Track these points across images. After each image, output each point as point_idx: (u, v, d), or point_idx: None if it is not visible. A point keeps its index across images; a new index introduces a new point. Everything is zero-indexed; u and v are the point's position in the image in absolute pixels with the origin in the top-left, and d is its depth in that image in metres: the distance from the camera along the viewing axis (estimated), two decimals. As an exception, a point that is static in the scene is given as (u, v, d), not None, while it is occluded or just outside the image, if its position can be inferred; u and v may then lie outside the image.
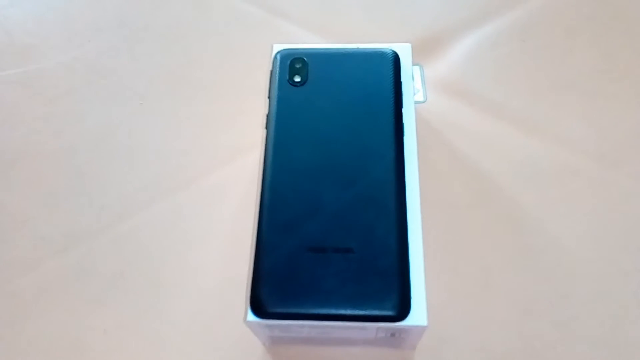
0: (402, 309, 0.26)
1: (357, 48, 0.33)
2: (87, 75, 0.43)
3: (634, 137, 0.38)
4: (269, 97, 0.32)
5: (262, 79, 0.33)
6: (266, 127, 0.31)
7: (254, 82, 0.41)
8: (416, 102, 0.39)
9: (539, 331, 0.32)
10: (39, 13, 0.46)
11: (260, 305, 0.26)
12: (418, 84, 0.40)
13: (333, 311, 0.26)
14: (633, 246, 0.34)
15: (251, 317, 0.26)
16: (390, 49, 0.33)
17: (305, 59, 0.32)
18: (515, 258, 0.34)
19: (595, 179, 0.37)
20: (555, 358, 0.31)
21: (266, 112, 0.31)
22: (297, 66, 0.32)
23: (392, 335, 0.28)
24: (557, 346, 0.32)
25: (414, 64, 0.33)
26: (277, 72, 0.32)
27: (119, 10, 0.46)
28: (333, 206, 0.28)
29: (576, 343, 0.32)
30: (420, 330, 0.27)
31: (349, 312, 0.26)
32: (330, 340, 0.31)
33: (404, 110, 0.31)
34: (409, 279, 0.27)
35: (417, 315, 0.26)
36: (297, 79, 0.32)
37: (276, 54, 0.33)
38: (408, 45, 0.34)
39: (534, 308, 0.33)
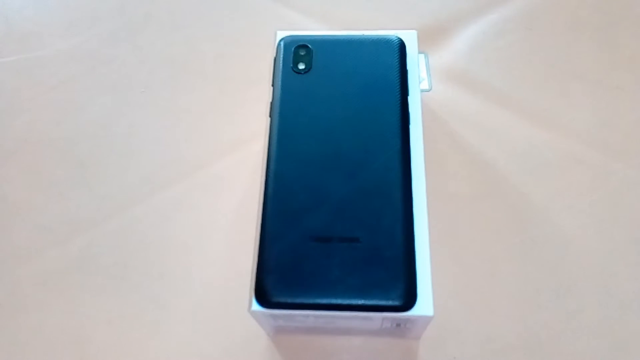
0: (408, 299, 0.26)
1: (362, 35, 0.33)
2: (88, 63, 0.42)
3: (639, 127, 0.38)
4: (272, 85, 0.31)
5: (265, 67, 0.33)
6: (270, 115, 0.30)
7: (257, 70, 0.40)
8: (421, 91, 0.38)
9: (543, 322, 0.32)
10: (38, 0, 0.45)
11: (264, 294, 0.26)
12: (423, 72, 0.40)
13: (338, 301, 0.26)
14: (638, 237, 0.34)
15: (256, 306, 0.26)
16: (396, 36, 0.32)
17: (310, 46, 0.32)
18: (520, 249, 0.34)
19: (600, 169, 0.36)
20: (559, 349, 0.31)
21: (270, 100, 0.31)
22: (302, 53, 0.32)
23: (398, 325, 0.28)
24: (562, 337, 0.32)
25: (419, 52, 0.33)
26: (281, 59, 0.32)
27: (119, -3, 0.45)
28: (338, 195, 0.28)
29: (581, 334, 0.32)
30: (426, 320, 0.27)
31: (354, 302, 0.26)
32: (335, 330, 0.31)
33: (410, 99, 0.31)
34: (415, 269, 0.26)
35: (423, 305, 0.26)
36: (302, 66, 0.31)
37: (280, 41, 0.33)
38: (414, 32, 0.33)
39: (539, 299, 0.33)
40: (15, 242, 0.36)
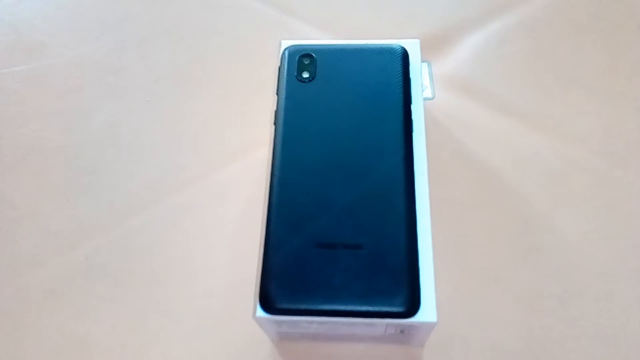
0: (412, 305, 0.26)
1: (366, 44, 0.33)
2: (95, 72, 0.43)
3: (642, 134, 0.38)
4: (277, 94, 0.32)
5: (270, 76, 0.33)
6: (275, 124, 0.31)
7: (261, 78, 0.40)
8: (424, 99, 0.39)
9: (547, 328, 0.32)
10: (47, 10, 0.46)
11: (269, 300, 0.26)
12: (426, 80, 0.40)
13: (342, 307, 0.26)
14: (641, 243, 0.34)
15: (260, 312, 0.26)
16: (399, 45, 0.33)
17: (314, 55, 0.32)
18: (523, 255, 0.34)
19: (603, 176, 0.37)
20: (563, 355, 0.31)
21: (274, 108, 0.31)
22: (306, 62, 0.32)
23: (401, 331, 0.28)
24: (566, 343, 0.32)
25: (422, 61, 0.33)
26: (286, 68, 0.32)
27: (126, 8, 0.46)
28: (342, 202, 0.28)
29: (584, 340, 0.32)
30: (430, 326, 0.27)
31: (358, 308, 0.26)
32: (339, 337, 0.31)
33: (413, 107, 0.31)
34: (418, 275, 0.27)
35: (427, 311, 0.26)
36: (306, 75, 0.32)
37: (284, 50, 0.33)
38: (417, 41, 0.34)
39: (543, 305, 0.33)
40: (22, 249, 0.36)
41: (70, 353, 0.33)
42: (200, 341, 0.33)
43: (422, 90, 0.33)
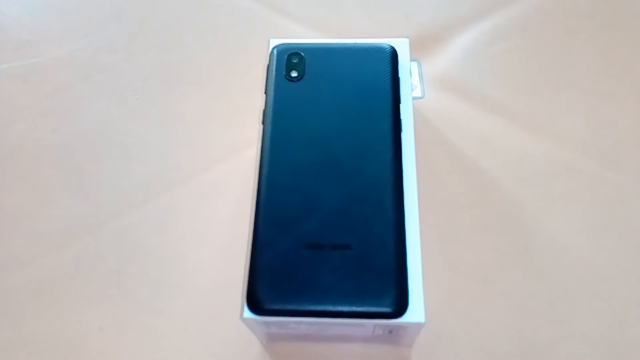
0: (400, 306, 0.26)
1: (355, 43, 0.33)
2: (84, 70, 0.42)
3: (632, 135, 0.38)
4: (265, 93, 0.32)
5: (259, 75, 0.33)
6: (263, 123, 0.31)
7: (251, 78, 0.40)
8: (414, 98, 0.39)
9: (537, 329, 0.32)
10: (35, 7, 0.46)
11: (256, 301, 0.26)
12: (416, 80, 0.40)
13: (330, 308, 0.26)
14: (631, 244, 0.34)
15: (248, 313, 0.26)
16: (388, 44, 0.32)
17: (302, 54, 0.32)
18: (513, 256, 0.34)
19: (593, 177, 0.37)
20: (553, 356, 0.31)
21: (263, 107, 0.31)
22: (294, 61, 0.32)
23: (390, 332, 0.28)
24: (555, 344, 0.32)
25: (411, 60, 0.33)
26: (274, 67, 0.32)
27: (115, 5, 0.45)
28: (330, 202, 0.28)
29: (574, 341, 0.32)
30: (418, 327, 0.27)
31: (346, 308, 0.26)
32: (328, 337, 0.31)
33: (402, 106, 0.31)
34: (407, 276, 0.26)
35: (415, 312, 0.26)
36: (294, 74, 0.32)
37: (273, 48, 0.33)
38: (406, 41, 0.34)
39: (532, 306, 0.33)
40: (10, 249, 0.36)
41: (59, 354, 0.32)
42: (190, 342, 0.32)
43: (412, 90, 0.33)
